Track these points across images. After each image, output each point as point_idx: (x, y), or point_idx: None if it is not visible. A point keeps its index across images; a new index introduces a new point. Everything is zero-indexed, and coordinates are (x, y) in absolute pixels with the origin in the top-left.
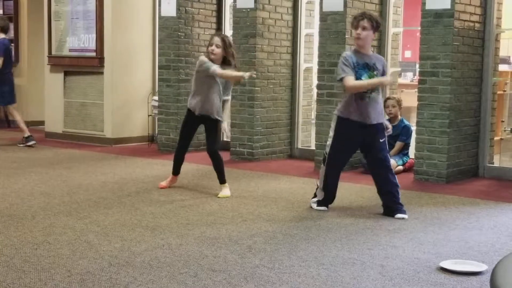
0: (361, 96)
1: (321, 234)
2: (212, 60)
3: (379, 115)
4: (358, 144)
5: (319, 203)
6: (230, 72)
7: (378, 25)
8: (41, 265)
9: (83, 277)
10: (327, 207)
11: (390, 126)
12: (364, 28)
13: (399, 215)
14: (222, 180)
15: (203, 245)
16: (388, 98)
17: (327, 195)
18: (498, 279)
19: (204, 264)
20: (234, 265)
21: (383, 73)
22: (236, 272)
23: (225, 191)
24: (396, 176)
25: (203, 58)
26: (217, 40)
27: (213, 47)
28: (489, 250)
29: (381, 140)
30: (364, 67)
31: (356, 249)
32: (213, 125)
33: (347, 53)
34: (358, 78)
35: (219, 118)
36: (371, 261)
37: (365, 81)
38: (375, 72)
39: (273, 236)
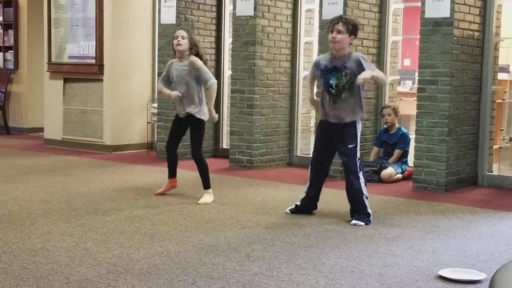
0: (334, 99)
1: (319, 242)
2: (178, 52)
3: (346, 116)
4: (328, 145)
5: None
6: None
7: (354, 28)
8: (40, 272)
9: (81, 284)
10: (296, 212)
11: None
12: (339, 32)
13: (353, 221)
14: (205, 186)
15: (202, 253)
16: (384, 107)
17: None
18: (497, 287)
19: (202, 272)
20: (232, 273)
21: (358, 71)
22: (234, 279)
23: (206, 197)
24: (361, 183)
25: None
26: (181, 32)
27: (179, 38)
28: (487, 258)
29: (349, 146)
30: (332, 71)
31: (355, 257)
32: (194, 128)
33: (319, 57)
34: (326, 82)
35: (198, 116)
36: (369, 269)
37: None
38: (343, 73)
39: (272, 244)
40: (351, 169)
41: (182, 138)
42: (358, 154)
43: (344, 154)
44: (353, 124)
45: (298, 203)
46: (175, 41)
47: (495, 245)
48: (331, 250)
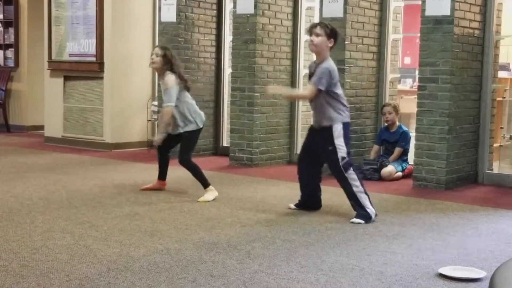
0: (310, 103)
1: (320, 240)
2: (154, 69)
3: (317, 121)
4: (309, 143)
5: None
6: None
7: (333, 32)
8: (40, 269)
9: (81, 281)
10: (299, 207)
11: None
12: (317, 35)
13: (352, 220)
14: (204, 185)
15: (202, 250)
16: (385, 105)
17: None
18: (497, 285)
19: (202, 269)
20: (232, 271)
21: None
22: (234, 277)
23: (207, 195)
24: (349, 181)
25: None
26: (156, 50)
27: (153, 56)
28: (487, 256)
29: (329, 148)
30: (310, 76)
31: (355, 255)
32: (186, 137)
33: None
34: None
35: (187, 130)
36: (369, 267)
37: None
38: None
39: (272, 242)
40: (335, 170)
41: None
42: (341, 154)
43: (326, 158)
44: (330, 129)
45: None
46: (150, 58)
47: (495, 243)
48: (331, 248)
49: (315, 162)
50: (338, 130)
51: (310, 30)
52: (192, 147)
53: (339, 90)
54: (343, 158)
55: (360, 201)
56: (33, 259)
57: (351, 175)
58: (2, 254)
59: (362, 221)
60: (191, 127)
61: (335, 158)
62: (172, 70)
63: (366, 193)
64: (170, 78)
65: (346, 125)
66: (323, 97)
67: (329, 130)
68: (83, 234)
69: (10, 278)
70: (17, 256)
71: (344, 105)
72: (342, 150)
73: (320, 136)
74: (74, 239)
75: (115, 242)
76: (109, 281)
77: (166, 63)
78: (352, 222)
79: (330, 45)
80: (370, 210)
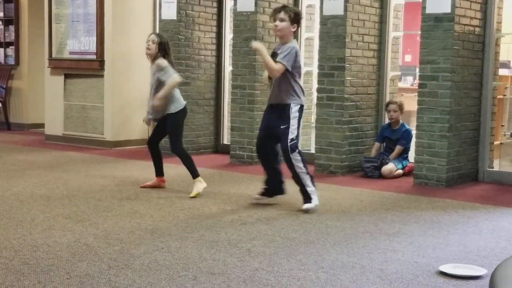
0: (270, 81)
1: (320, 238)
2: (148, 56)
3: (277, 96)
4: (268, 124)
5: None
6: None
7: (297, 17)
8: (40, 267)
9: (82, 279)
10: (264, 195)
11: None
12: (281, 20)
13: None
14: (193, 176)
15: (202, 248)
16: (390, 103)
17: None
18: (497, 283)
19: (203, 267)
20: (233, 268)
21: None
22: (235, 275)
23: (196, 187)
24: (293, 161)
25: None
26: (152, 36)
27: (149, 43)
28: (488, 254)
29: (281, 127)
30: (273, 55)
31: (356, 253)
32: (169, 121)
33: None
34: None
35: (169, 112)
36: (370, 265)
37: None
38: (276, 58)
39: (272, 240)
40: (283, 149)
41: (165, 135)
42: (291, 136)
43: (279, 135)
44: (287, 107)
45: (264, 186)
46: (145, 45)
47: (495, 241)
48: (332, 245)
49: (272, 144)
50: (295, 111)
51: (274, 16)
52: (180, 132)
53: (300, 75)
54: (292, 139)
55: (302, 181)
56: (34, 257)
57: (296, 156)
58: (2, 252)
59: (312, 205)
60: (172, 110)
61: (286, 137)
62: (164, 57)
63: (308, 174)
64: (163, 60)
65: (301, 109)
66: (287, 76)
67: (287, 108)
68: (83, 232)
69: (11, 276)
70: (18, 254)
71: (302, 90)
72: (293, 131)
73: (276, 113)
74: (74, 237)
75: (115, 240)
76: (109, 279)
77: (160, 51)
78: (303, 209)
79: (293, 29)
80: (310, 188)
